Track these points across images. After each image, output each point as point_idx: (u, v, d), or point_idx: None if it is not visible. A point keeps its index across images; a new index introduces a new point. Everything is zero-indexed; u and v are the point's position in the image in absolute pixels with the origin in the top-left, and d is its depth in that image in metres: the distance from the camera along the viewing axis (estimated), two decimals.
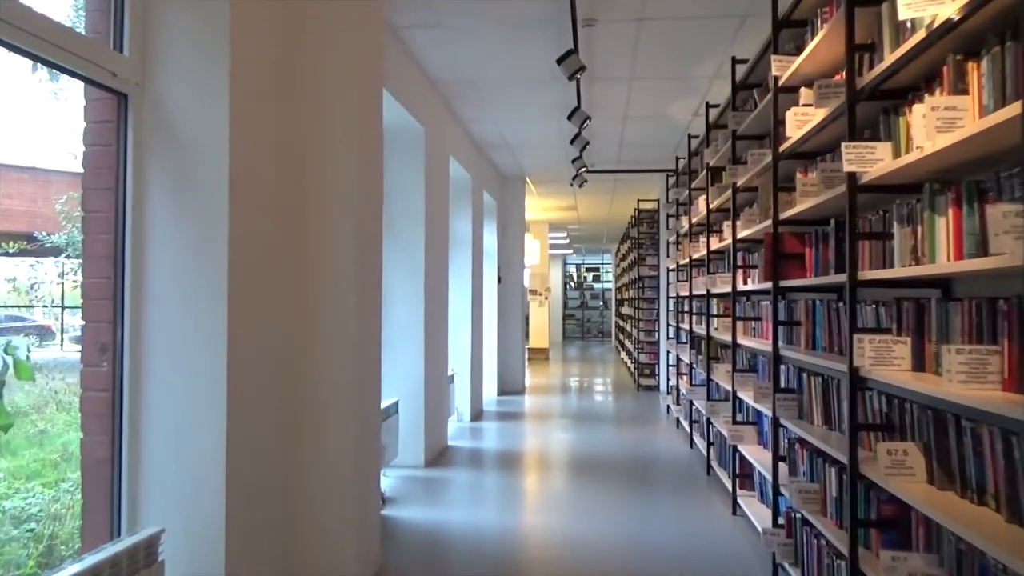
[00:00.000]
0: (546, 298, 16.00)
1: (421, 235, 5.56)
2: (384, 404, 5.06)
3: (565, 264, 24.71)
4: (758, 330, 4.40)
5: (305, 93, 3.14)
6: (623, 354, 15.17)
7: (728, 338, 4.75)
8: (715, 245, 5.33)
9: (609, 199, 12.03)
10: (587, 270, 25.57)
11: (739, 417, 4.50)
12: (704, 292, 5.63)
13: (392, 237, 5.54)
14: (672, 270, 7.97)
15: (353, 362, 3.18)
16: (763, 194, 3.81)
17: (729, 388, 4.73)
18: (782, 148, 3.41)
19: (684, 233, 6.84)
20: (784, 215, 3.40)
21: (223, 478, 2.50)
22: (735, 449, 4.42)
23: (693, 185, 6.29)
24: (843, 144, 2.41)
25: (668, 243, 8.24)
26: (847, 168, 2.41)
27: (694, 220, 6.19)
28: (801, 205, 3.12)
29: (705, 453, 5.50)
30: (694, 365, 6.21)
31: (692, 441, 6.32)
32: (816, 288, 3.34)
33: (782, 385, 3.51)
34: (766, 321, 4.19)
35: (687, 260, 6.57)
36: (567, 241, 19.33)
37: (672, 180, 8.39)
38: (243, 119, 2.63)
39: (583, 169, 7.34)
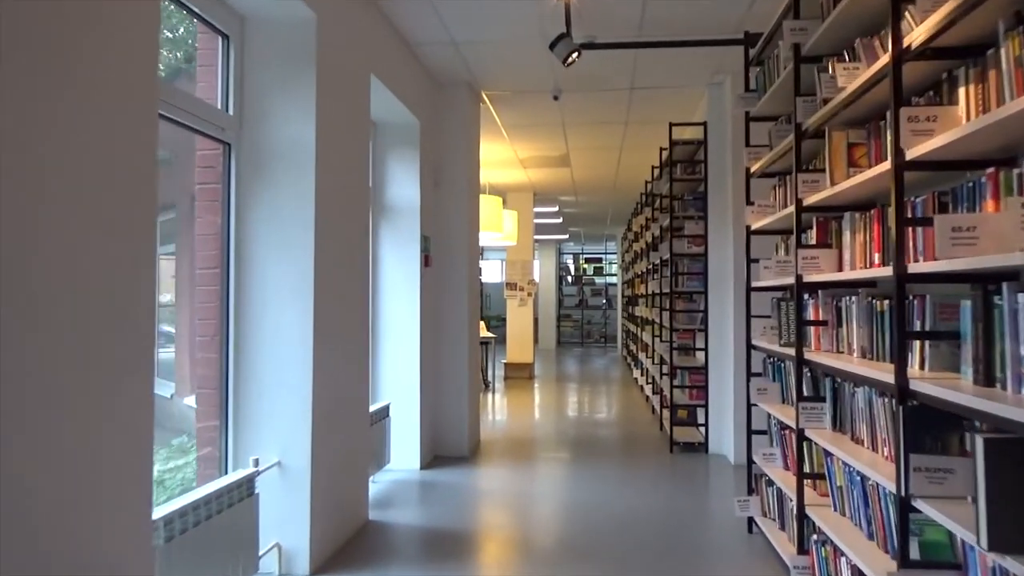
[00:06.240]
0: (529, 294, 11.67)
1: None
2: None
3: (560, 253, 20.39)
4: None
5: None
6: (636, 372, 10.87)
7: None
8: None
9: (619, 135, 7.69)
10: (586, 261, 21.23)
11: None
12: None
13: None
14: (764, 231, 3.69)
15: None
16: None
17: None
18: None
19: (846, 116, 2.55)
20: None
21: None
22: None
23: None
24: None
25: (749, 175, 3.94)
26: None
27: (925, 36, 1.89)
28: None
29: None
30: (914, 498, 1.91)
31: None
32: None
33: None
34: None
35: (849, 185, 2.28)
36: (560, 221, 15.01)
37: (752, 54, 4.07)
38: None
39: None
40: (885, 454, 2.34)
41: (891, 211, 2.02)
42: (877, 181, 2.21)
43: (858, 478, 2.56)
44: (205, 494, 2.62)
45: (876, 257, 2.41)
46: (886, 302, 2.40)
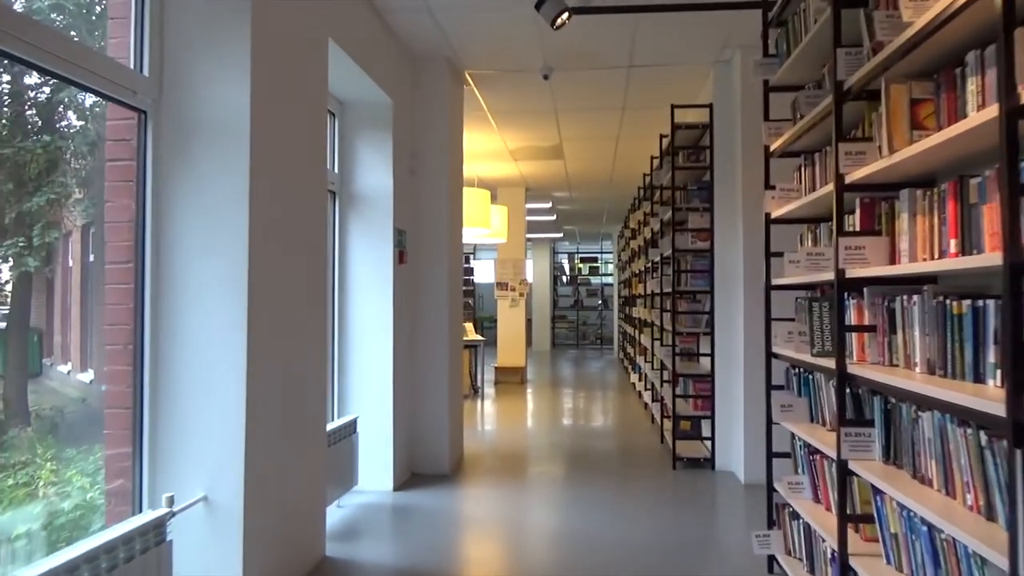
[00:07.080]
0: (521, 295, 11.11)
1: None
2: None
3: (555, 253, 19.83)
4: None
5: None
6: (633, 376, 10.31)
7: None
8: None
9: (616, 121, 7.13)
10: (582, 260, 20.65)
11: None
12: None
13: None
14: (787, 219, 3.14)
15: None
16: None
17: None
18: None
19: (905, 67, 1.99)
20: None
21: None
22: None
23: None
24: None
25: (769, 154, 3.38)
26: None
27: None
28: None
29: None
30: None
31: None
32: None
33: None
34: None
35: (917, 151, 1.71)
36: (554, 218, 14.45)
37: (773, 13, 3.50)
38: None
39: None
40: (968, 503, 1.78)
41: (998, 175, 1.46)
42: (962, 142, 1.66)
43: (923, 528, 2.00)
44: (88, 549, 2.05)
45: (952, 244, 1.85)
46: (965, 303, 1.84)
